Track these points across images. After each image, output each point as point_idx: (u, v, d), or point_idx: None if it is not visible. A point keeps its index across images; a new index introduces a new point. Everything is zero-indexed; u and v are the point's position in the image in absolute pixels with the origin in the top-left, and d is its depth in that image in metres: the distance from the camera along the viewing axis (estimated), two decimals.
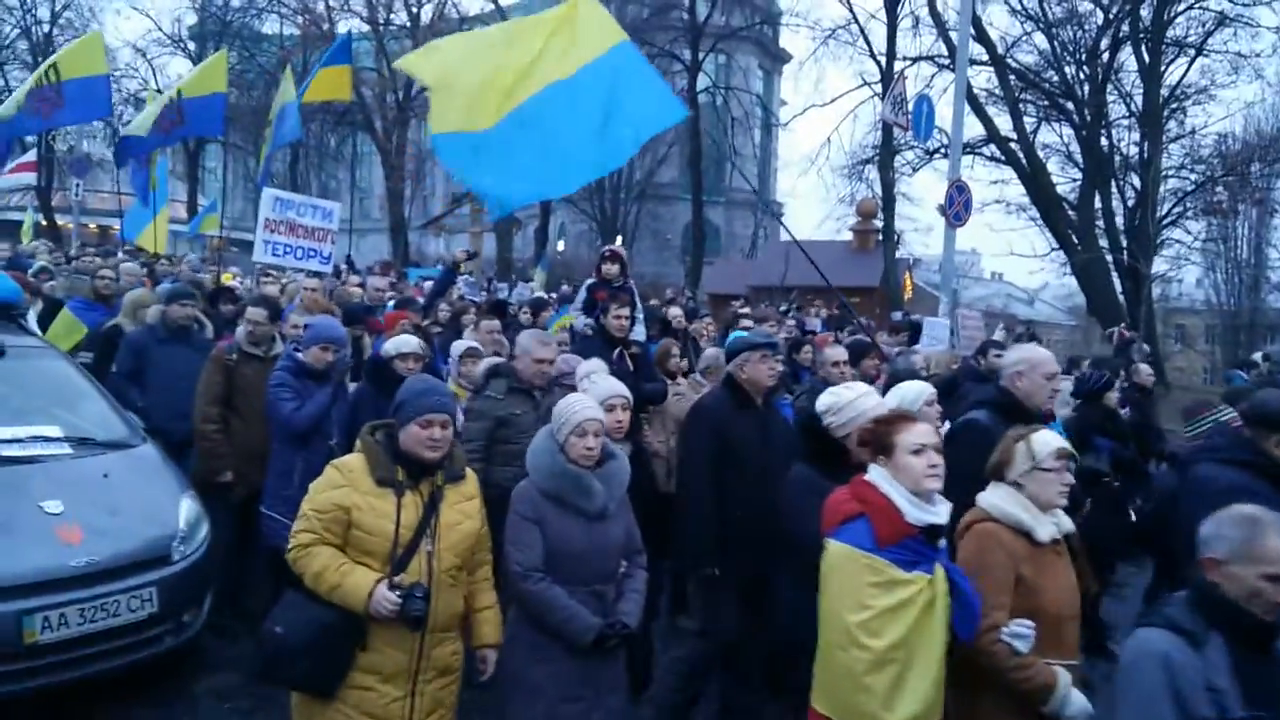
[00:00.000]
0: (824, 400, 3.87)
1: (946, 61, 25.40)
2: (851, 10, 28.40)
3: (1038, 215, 26.26)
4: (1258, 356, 14.08)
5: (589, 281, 8.13)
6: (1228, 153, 26.27)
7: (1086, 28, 26.10)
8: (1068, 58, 26.27)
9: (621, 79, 5.68)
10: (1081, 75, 26.20)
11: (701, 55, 32.78)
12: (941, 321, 10.31)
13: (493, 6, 34.73)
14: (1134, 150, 26.43)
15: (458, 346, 6.30)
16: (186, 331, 6.80)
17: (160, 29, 37.85)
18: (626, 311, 6.33)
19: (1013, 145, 25.67)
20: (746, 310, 12.97)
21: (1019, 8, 26.08)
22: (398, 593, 3.10)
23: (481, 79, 5.93)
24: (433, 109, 6.00)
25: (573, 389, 4.70)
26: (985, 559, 3.11)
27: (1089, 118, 25.43)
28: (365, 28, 33.07)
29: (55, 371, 6.03)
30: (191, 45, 38.28)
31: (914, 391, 4.41)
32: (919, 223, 42.32)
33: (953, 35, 22.02)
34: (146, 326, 6.99)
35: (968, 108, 18.80)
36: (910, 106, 12.48)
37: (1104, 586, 5.66)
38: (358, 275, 15.12)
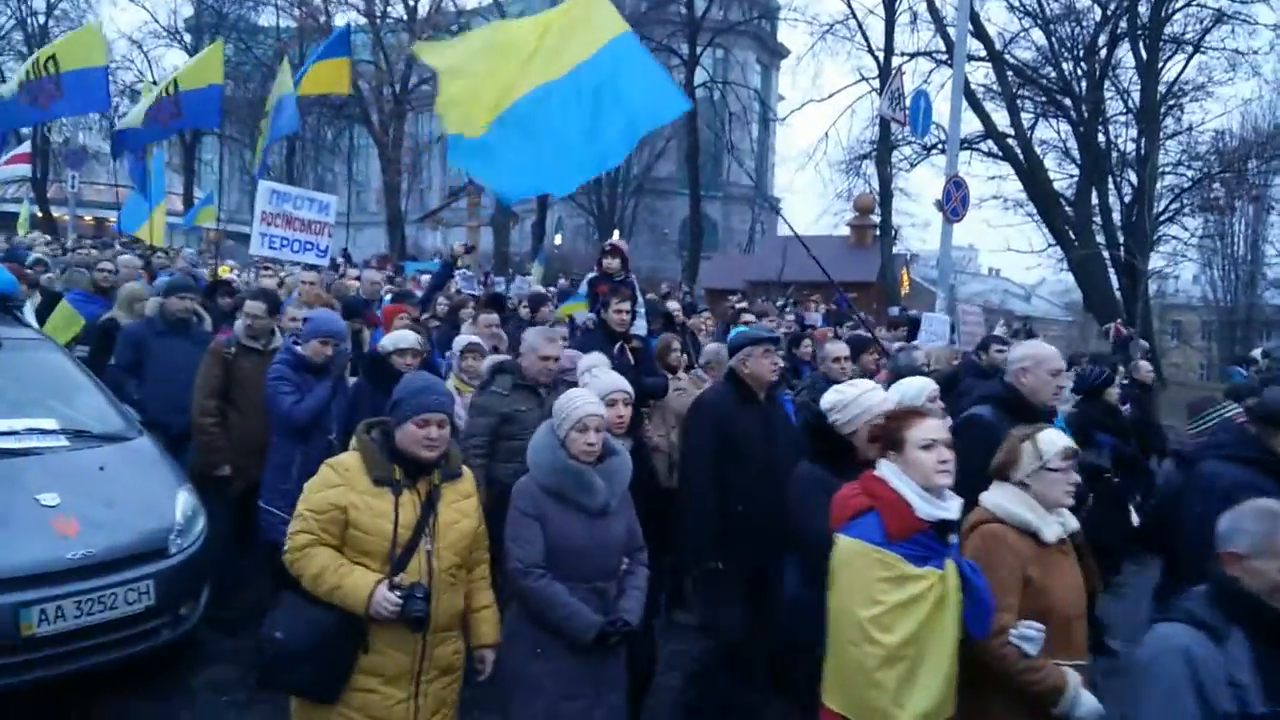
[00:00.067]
0: (829, 398, 3.86)
1: (944, 57, 25.36)
2: (850, 5, 28.37)
3: (1035, 211, 26.24)
4: (1257, 353, 14.12)
5: (590, 275, 8.12)
6: (1225, 149, 26.26)
7: (1084, 24, 26.08)
8: (1065, 54, 26.25)
9: (623, 71, 5.65)
10: (1079, 71, 26.18)
11: (699, 50, 32.74)
12: (941, 317, 10.30)
13: (490, 0, 34.66)
14: (1131, 147, 26.44)
15: (459, 342, 6.28)
16: (185, 324, 6.77)
17: (156, 21, 37.98)
18: (627, 306, 6.32)
19: (1010, 141, 25.66)
20: (744, 305, 12.97)
21: (1017, 4, 26.05)
22: (398, 593, 3.07)
23: (487, 71, 5.94)
24: (440, 100, 5.99)
25: (574, 384, 4.68)
26: (992, 561, 3.08)
27: (1086, 114, 25.41)
28: (362, 20, 32.97)
29: (52, 364, 6.00)
30: (188, 37, 38.27)
31: (916, 387, 4.40)
32: (916, 218, 42.18)
33: (951, 31, 22.04)
34: (145, 319, 6.96)
35: (965, 103, 18.79)
36: (908, 102, 12.49)
37: (1108, 585, 5.66)
38: (355, 269, 15.10)
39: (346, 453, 3.35)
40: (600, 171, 6.34)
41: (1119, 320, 17.82)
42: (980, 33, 24.35)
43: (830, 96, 37.45)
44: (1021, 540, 3.13)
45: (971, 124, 24.72)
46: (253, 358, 5.94)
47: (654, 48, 29.03)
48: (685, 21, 32.58)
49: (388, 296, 10.24)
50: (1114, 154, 26.48)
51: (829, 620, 3.08)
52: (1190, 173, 26.34)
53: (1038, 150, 26.20)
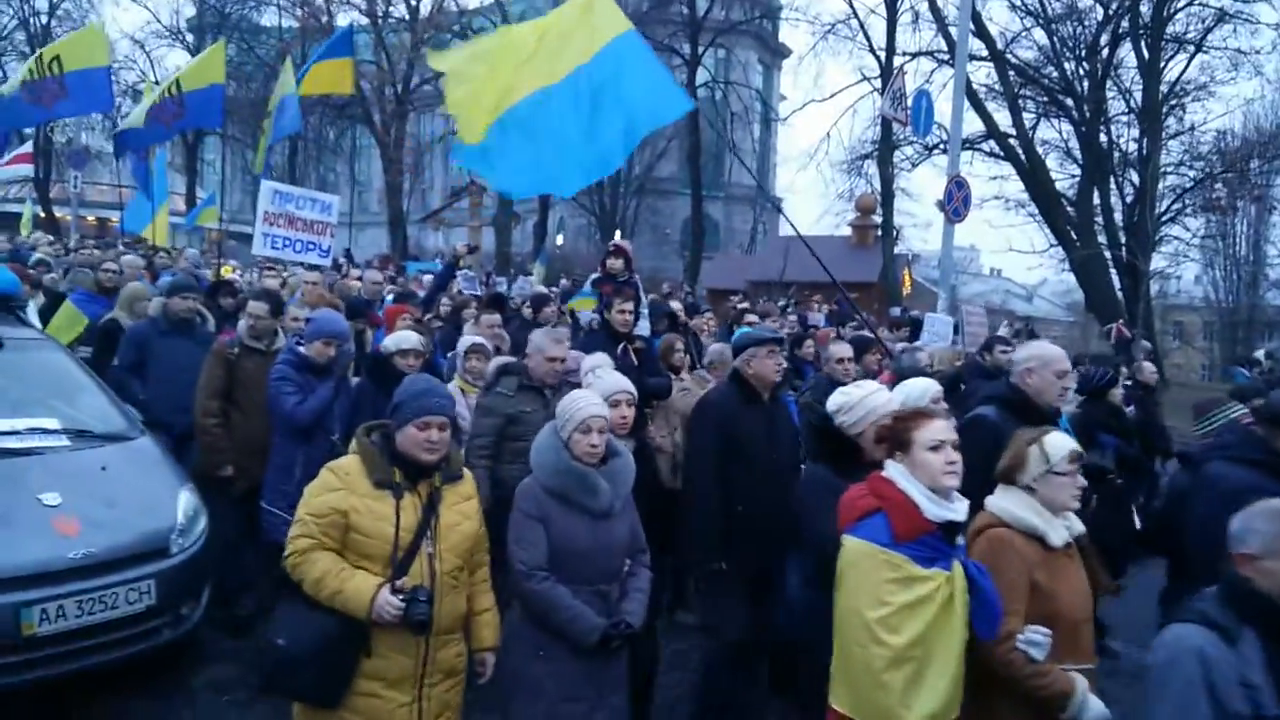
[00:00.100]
0: (834, 400, 3.85)
1: (946, 57, 25.36)
2: (851, 5, 28.39)
3: (1037, 211, 26.24)
4: (1260, 354, 14.10)
5: (594, 276, 8.12)
6: (1227, 149, 26.24)
7: (1086, 23, 26.06)
8: (1067, 53, 26.22)
9: (626, 70, 5.65)
10: (1081, 71, 26.15)
11: (701, 49, 32.73)
12: (943, 317, 10.28)
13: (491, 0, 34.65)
14: (1133, 146, 26.41)
15: (464, 342, 6.27)
16: (188, 324, 6.78)
17: (159, 21, 37.99)
18: (631, 306, 6.31)
19: (1012, 141, 25.65)
20: (746, 305, 12.97)
21: (1019, 3, 26.04)
22: (400, 597, 3.05)
23: (486, 75, 5.96)
24: (447, 105, 6.02)
25: (578, 385, 4.67)
26: (998, 566, 3.05)
27: (1088, 114, 25.40)
28: (364, 20, 32.97)
29: (54, 364, 6.01)
30: (190, 37, 38.28)
31: (919, 388, 4.38)
32: (918, 218, 42.38)
33: (952, 30, 21.99)
34: (148, 319, 6.97)
35: (967, 103, 18.78)
36: (909, 102, 12.47)
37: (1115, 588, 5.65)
38: (357, 269, 15.11)
39: (346, 456, 3.33)
40: (603, 176, 6.34)
41: (1121, 321, 17.79)
42: (982, 32, 24.34)
43: (832, 96, 37.48)
44: (1028, 545, 3.11)
45: (973, 124, 24.75)
46: (255, 358, 5.93)
47: (655, 47, 28.94)
48: (687, 21, 32.57)
49: (389, 297, 10.24)
50: (1116, 154, 26.46)
51: (836, 621, 3.07)
52: (1192, 173, 26.34)
53: (1039, 150, 26.20)
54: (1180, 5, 24.57)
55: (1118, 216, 26.07)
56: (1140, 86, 25.45)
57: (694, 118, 28.68)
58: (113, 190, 24.93)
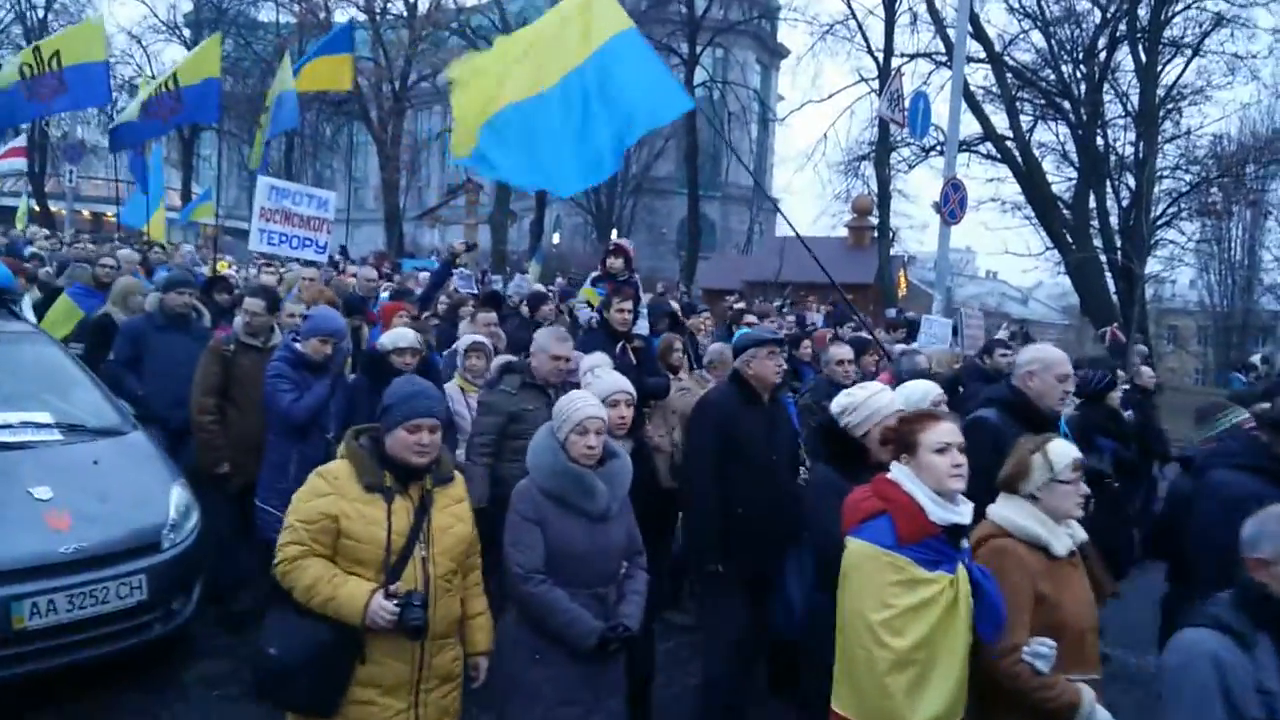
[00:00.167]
0: (839, 401, 3.85)
1: (944, 59, 25.33)
2: (850, 6, 28.29)
3: (1033, 214, 26.20)
4: (1256, 358, 14.09)
5: (593, 274, 8.12)
6: (1223, 154, 26.20)
7: (1084, 26, 26.02)
8: (1065, 56, 26.20)
9: (625, 69, 5.63)
10: (1078, 74, 26.14)
11: (699, 49, 32.72)
12: (941, 320, 10.27)
13: None
14: (1129, 150, 26.35)
15: (464, 341, 6.25)
16: (184, 320, 6.77)
17: (156, 16, 37.87)
18: (629, 305, 6.31)
19: (1009, 144, 25.63)
20: (742, 306, 12.97)
21: (1017, 6, 25.97)
22: (395, 602, 3.02)
23: (481, 78, 5.97)
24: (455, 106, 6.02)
25: (578, 385, 4.66)
26: (1002, 577, 3.03)
27: (1085, 117, 25.39)
28: (362, 17, 32.91)
29: (46, 358, 6.00)
30: (187, 32, 38.19)
31: (920, 391, 4.38)
32: (914, 220, 42.32)
33: (950, 32, 21.99)
34: (144, 314, 6.96)
35: (964, 105, 18.77)
36: (907, 103, 12.47)
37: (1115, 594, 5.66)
38: (354, 265, 15.08)
39: (335, 461, 3.29)
40: (601, 180, 6.33)
41: (1115, 324, 17.79)
42: (980, 34, 24.32)
43: (830, 97, 37.50)
44: (1031, 555, 3.09)
45: (970, 126, 24.71)
46: (251, 355, 5.92)
47: (654, 47, 28.88)
48: (685, 21, 32.55)
49: (385, 294, 10.22)
50: (1112, 157, 26.44)
51: (839, 623, 3.06)
52: (1188, 177, 26.30)
53: (1036, 153, 26.17)
54: (1178, 9, 24.57)
55: (1113, 220, 26.05)
56: (1137, 90, 25.45)
57: (691, 117, 28.68)
58: (108, 185, 24.88)
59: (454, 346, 6.91)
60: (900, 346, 8.56)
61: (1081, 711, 2.98)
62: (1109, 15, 25.05)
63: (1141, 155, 24.49)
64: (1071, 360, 4.58)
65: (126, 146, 13.94)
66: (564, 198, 27.01)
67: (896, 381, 5.41)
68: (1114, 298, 24.67)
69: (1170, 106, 25.50)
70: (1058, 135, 27.45)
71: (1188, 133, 25.96)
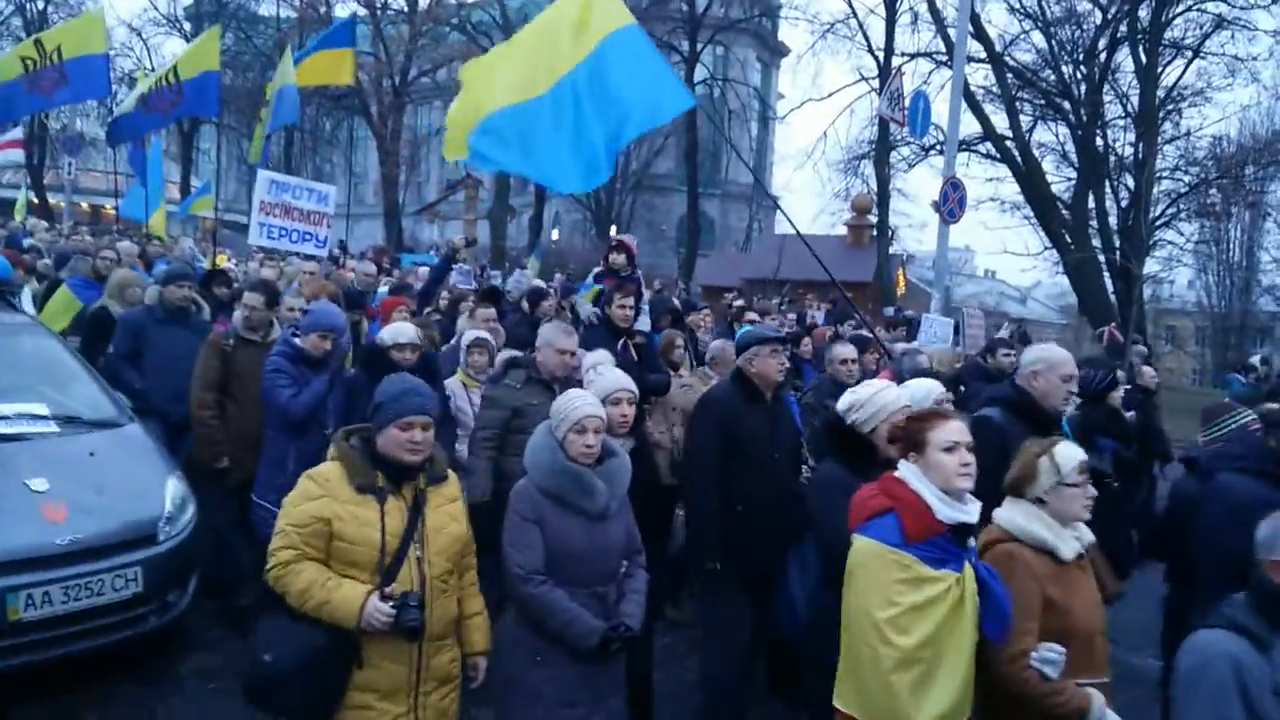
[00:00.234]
0: (847, 398, 3.84)
1: (944, 58, 25.33)
2: (850, 5, 28.30)
3: (1032, 214, 26.23)
4: (1255, 359, 14.08)
5: (596, 270, 8.11)
6: (1222, 155, 26.23)
7: (1085, 27, 26.05)
8: (1065, 57, 26.21)
9: (625, 66, 5.60)
10: (1079, 75, 26.16)
11: (700, 47, 32.69)
12: (942, 319, 10.25)
13: None
14: (1129, 151, 26.39)
15: (467, 337, 6.24)
16: (184, 313, 6.75)
17: (156, 8, 37.83)
18: (631, 301, 6.30)
19: (1008, 143, 25.64)
20: (742, 303, 12.95)
21: (1018, 6, 25.98)
22: (391, 604, 2.97)
23: (476, 82, 5.97)
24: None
25: (579, 382, 4.65)
26: (1010, 583, 3.00)
27: (1085, 117, 25.40)
28: (363, 11, 32.88)
29: (43, 349, 5.99)
30: (187, 25, 38.16)
31: (923, 390, 4.37)
32: (913, 219, 42.41)
33: (951, 32, 21.99)
34: (144, 307, 6.94)
35: (964, 105, 18.77)
36: (907, 102, 12.46)
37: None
38: (353, 260, 15.06)
39: (325, 463, 3.23)
40: (598, 185, 6.30)
41: (1113, 324, 17.79)
42: (980, 34, 24.33)
43: (830, 96, 37.35)
44: (1038, 559, 3.07)
45: (970, 125, 24.74)
46: (251, 349, 5.87)
47: (654, 44, 28.82)
48: (686, 18, 32.56)
49: (384, 289, 10.21)
50: (1112, 158, 26.46)
51: (845, 621, 3.04)
52: (1187, 178, 26.34)
53: (1036, 153, 26.20)
54: (1179, 10, 24.59)
55: (1112, 220, 26.09)
56: (1137, 91, 25.47)
57: (692, 115, 28.66)
58: (107, 177, 24.83)
59: (454, 341, 6.90)
60: (902, 345, 8.54)
61: (1091, 716, 2.97)
62: (1110, 16, 25.08)
63: (1141, 156, 24.52)
64: (1079, 360, 4.58)
65: (126, 139, 13.90)
66: (563, 194, 26.99)
67: (898, 380, 5.41)
68: (1112, 298, 24.72)
69: (1170, 108, 25.53)
70: (1057, 135, 27.52)
71: (1187, 134, 26.03)
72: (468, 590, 3.45)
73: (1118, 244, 25.03)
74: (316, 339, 5.44)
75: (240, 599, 5.71)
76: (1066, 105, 26.02)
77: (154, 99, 11.26)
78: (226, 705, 4.88)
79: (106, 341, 6.85)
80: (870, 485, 3.14)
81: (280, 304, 6.52)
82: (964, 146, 24.39)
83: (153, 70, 20.65)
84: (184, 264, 10.26)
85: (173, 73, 11.09)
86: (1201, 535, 4.16)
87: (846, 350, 6.75)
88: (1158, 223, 25.91)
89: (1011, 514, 3.16)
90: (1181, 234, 28.46)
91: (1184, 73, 25.52)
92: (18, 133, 23.47)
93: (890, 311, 18.25)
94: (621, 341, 6.16)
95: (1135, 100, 25.69)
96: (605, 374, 4.37)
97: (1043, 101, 26.77)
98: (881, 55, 27.58)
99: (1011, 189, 27.09)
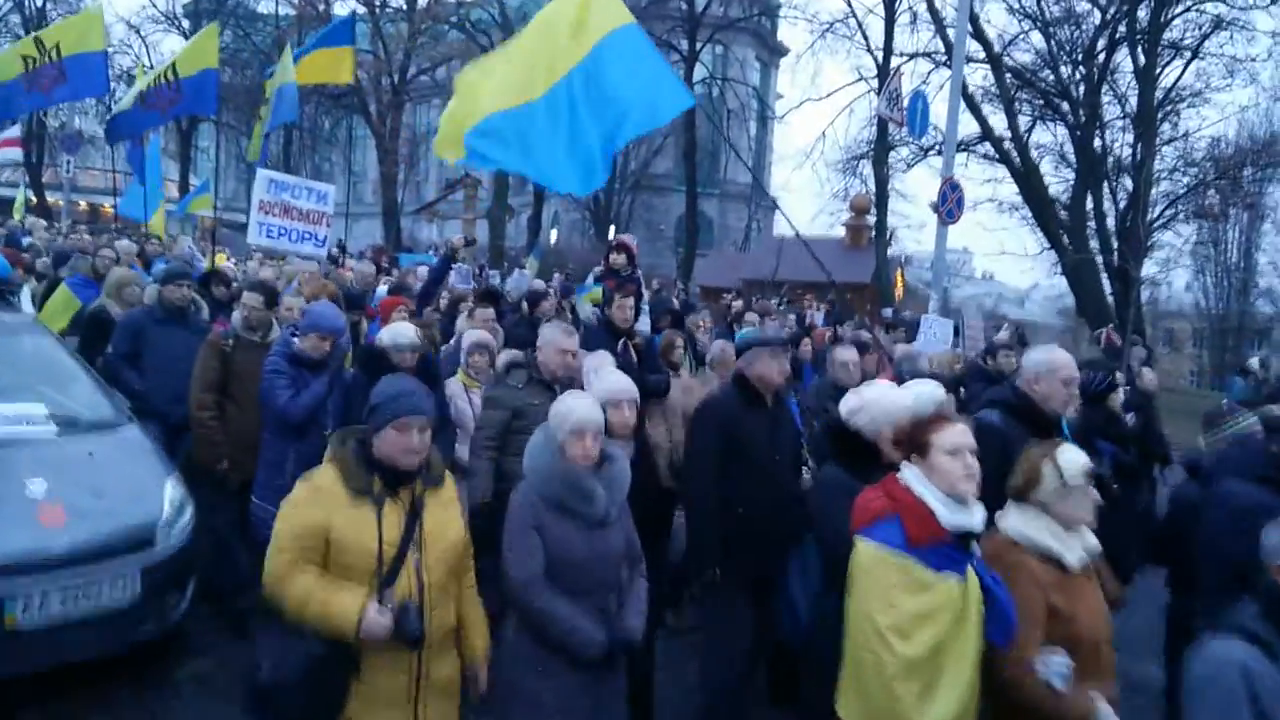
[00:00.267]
0: (850, 401, 3.82)
1: (943, 58, 25.35)
2: (850, 4, 28.34)
3: (1030, 215, 26.27)
4: (1254, 362, 14.05)
5: (596, 270, 8.10)
6: (1220, 156, 26.26)
7: (1084, 28, 26.08)
8: (1064, 57, 26.24)
9: (624, 65, 5.58)
10: (1077, 75, 26.19)
11: (699, 46, 32.67)
12: (942, 320, 10.23)
13: None
14: (1127, 152, 26.43)
15: (469, 338, 6.22)
16: (183, 313, 6.72)
17: (155, 6, 37.77)
18: (630, 302, 6.28)
19: (1007, 144, 25.68)
20: (740, 304, 12.93)
21: (1017, 6, 26.01)
22: (390, 611, 2.93)
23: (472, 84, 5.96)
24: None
25: (580, 384, 4.63)
26: (1014, 591, 2.97)
27: (1083, 118, 25.43)
28: (361, 9, 32.83)
29: (41, 349, 5.96)
30: (186, 23, 38.08)
31: (928, 390, 4.35)
32: (911, 219, 42.42)
33: (950, 32, 22.00)
34: (143, 307, 6.91)
35: (963, 105, 18.77)
36: (906, 103, 12.45)
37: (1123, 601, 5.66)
38: (352, 259, 15.04)
39: (320, 467, 3.17)
40: (596, 188, 6.28)
41: (1110, 326, 17.79)
42: (979, 35, 24.35)
43: (829, 96, 37.60)
44: (1043, 567, 3.04)
45: (969, 126, 24.80)
46: (250, 350, 5.82)
47: (654, 43, 28.78)
48: (685, 17, 32.54)
49: (383, 288, 10.18)
50: (1110, 159, 26.49)
51: (847, 626, 3.02)
52: (1185, 179, 26.38)
53: (1034, 154, 26.24)
54: (1177, 11, 24.63)
55: (1110, 221, 26.13)
56: (1136, 92, 25.50)
57: (690, 114, 28.63)
58: (105, 176, 24.76)
59: (453, 342, 6.88)
60: (901, 347, 8.51)
61: None
62: (1109, 17, 25.10)
63: (1139, 157, 24.54)
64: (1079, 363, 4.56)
65: (124, 137, 13.85)
66: (561, 194, 27.06)
67: (898, 382, 5.39)
68: (1110, 299, 24.72)
69: (1168, 109, 25.58)
70: (1056, 136, 27.58)
71: (1185, 135, 26.10)
72: (466, 595, 3.41)
73: (1116, 245, 25.04)
74: (315, 340, 5.39)
75: (239, 603, 5.70)
76: (1065, 106, 26.06)
77: (152, 97, 11.21)
78: (224, 711, 4.85)
79: (105, 341, 6.82)
80: (873, 488, 3.13)
81: (279, 304, 6.49)
82: (962, 147, 24.43)
83: (151, 68, 20.62)
84: (183, 263, 10.22)
85: (171, 70, 11.04)
86: (1202, 540, 4.14)
87: (849, 354, 6.72)
88: (1156, 224, 25.93)
89: (1016, 521, 3.14)
90: (1179, 235, 28.56)
91: (1182, 73, 25.61)
92: (16, 131, 23.40)
93: (888, 313, 18.24)
94: (621, 342, 6.14)
95: (1134, 101, 25.73)
96: (605, 377, 4.34)
97: (1041, 102, 26.80)
98: (880, 55, 27.65)
99: (1010, 190, 27.18)
